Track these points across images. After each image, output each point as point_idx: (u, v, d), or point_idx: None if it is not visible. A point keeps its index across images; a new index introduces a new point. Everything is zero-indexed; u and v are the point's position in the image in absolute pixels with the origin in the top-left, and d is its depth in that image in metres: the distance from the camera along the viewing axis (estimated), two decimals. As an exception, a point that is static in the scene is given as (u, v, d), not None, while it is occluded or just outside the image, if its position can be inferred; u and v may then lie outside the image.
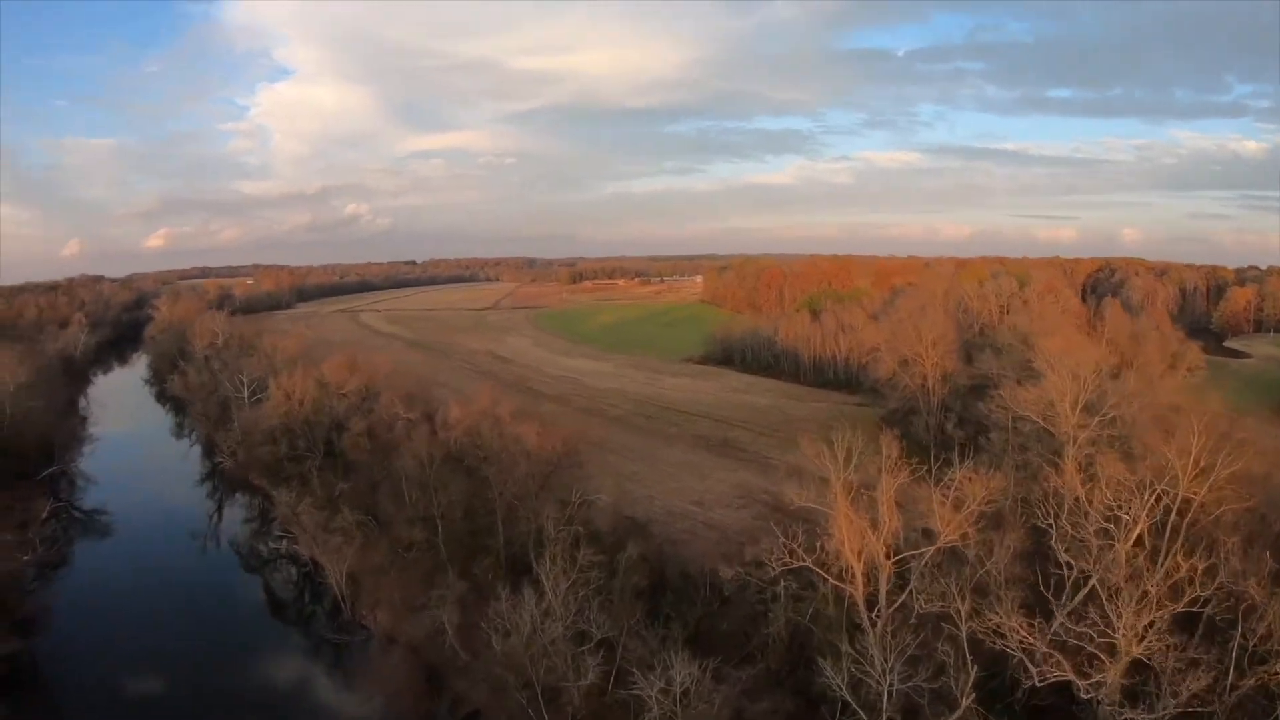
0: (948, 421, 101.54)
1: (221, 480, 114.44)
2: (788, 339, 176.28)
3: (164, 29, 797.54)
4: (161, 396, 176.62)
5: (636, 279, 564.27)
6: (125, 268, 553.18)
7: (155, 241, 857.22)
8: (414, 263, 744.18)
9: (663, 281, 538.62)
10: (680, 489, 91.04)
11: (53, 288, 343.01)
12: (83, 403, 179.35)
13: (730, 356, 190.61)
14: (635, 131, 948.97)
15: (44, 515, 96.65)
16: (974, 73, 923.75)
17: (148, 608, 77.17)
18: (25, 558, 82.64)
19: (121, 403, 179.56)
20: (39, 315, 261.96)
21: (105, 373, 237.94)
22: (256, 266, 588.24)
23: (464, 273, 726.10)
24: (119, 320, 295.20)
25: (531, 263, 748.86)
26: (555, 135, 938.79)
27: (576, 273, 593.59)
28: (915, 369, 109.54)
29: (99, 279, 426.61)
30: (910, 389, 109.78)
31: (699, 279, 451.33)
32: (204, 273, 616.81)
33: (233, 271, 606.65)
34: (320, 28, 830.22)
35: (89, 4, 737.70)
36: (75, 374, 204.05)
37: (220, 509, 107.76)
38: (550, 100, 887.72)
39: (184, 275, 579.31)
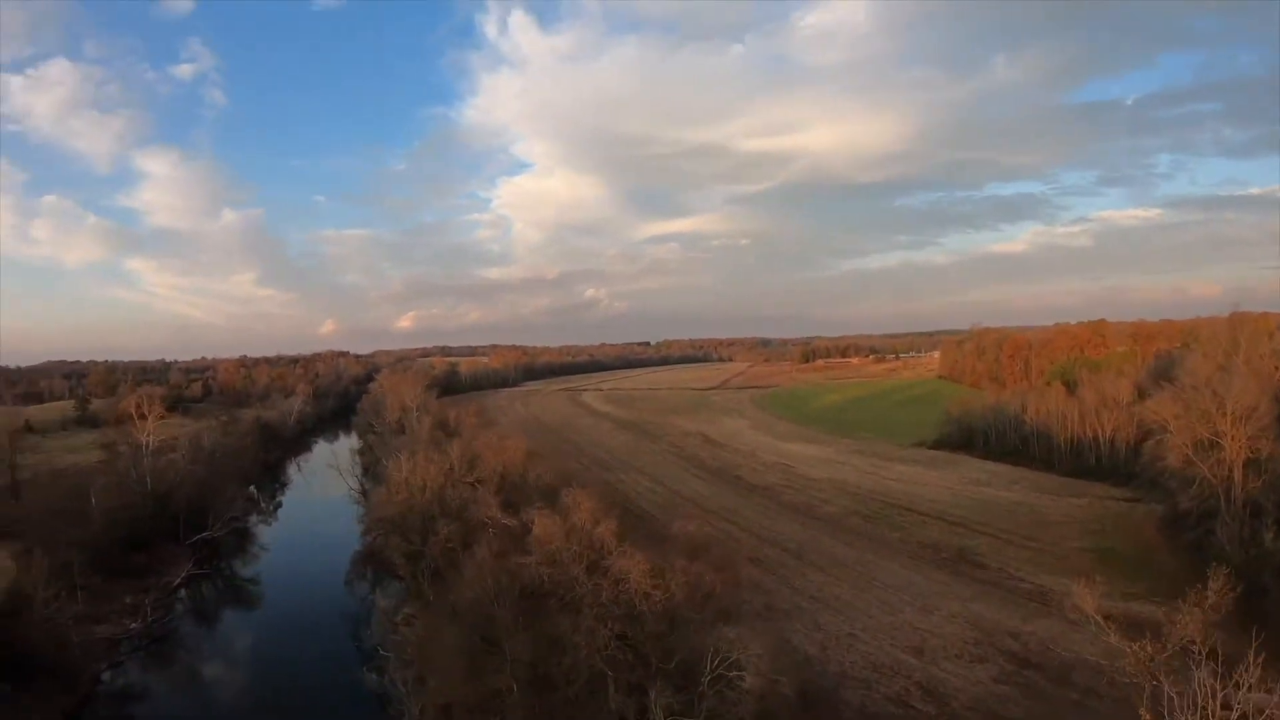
0: (1264, 529, 73.45)
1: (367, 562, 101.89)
2: (1037, 417, 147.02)
3: (409, 132, 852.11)
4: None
5: (871, 356, 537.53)
6: (375, 345, 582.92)
7: (405, 323, 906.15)
8: (648, 344, 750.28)
9: (898, 358, 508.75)
10: (894, 625, 67.67)
11: (295, 360, 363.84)
12: (291, 469, 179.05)
13: (969, 439, 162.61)
14: (866, 207, 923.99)
15: (176, 581, 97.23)
16: (1208, 114, 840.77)
17: (229, 688, 73.27)
18: (131, 625, 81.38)
19: (324, 472, 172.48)
20: (269, 384, 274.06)
21: (331, 441, 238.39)
22: (495, 346, 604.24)
23: (697, 353, 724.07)
24: (346, 392, 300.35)
25: (766, 343, 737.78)
26: (787, 215, 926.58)
27: (809, 351, 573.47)
28: (1216, 454, 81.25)
29: (343, 354, 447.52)
30: (1211, 482, 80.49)
31: (936, 354, 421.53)
32: (445, 351, 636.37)
33: (472, 351, 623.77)
34: (552, 124, 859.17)
35: (343, 114, 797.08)
36: (286, 441, 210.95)
37: (360, 593, 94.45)
38: (781, 180, 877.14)
39: (425, 353, 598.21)
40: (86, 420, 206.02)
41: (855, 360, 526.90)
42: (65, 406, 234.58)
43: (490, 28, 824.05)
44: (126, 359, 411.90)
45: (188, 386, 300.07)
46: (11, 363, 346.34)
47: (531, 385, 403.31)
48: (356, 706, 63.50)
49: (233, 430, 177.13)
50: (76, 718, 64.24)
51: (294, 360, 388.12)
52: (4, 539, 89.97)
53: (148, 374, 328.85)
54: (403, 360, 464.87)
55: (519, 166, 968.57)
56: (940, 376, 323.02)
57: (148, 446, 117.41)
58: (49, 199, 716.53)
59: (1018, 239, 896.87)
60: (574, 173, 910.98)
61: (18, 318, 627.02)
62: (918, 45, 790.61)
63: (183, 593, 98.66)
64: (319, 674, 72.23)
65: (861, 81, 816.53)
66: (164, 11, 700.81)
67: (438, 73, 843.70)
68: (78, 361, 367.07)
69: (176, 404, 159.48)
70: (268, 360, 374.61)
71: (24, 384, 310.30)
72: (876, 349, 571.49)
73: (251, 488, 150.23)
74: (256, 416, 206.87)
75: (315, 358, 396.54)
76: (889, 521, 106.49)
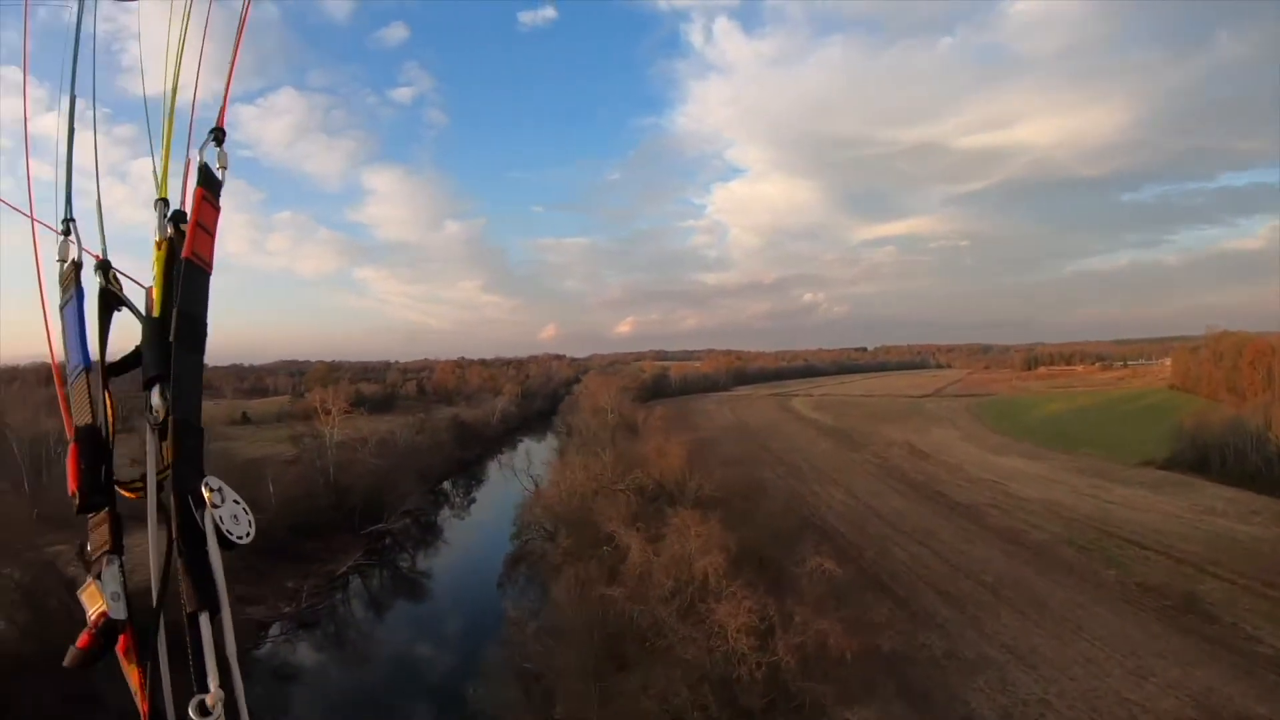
0: None
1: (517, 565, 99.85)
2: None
3: (623, 142, 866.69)
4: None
5: (1097, 364, 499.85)
6: (593, 350, 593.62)
7: (623, 328, 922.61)
8: (864, 349, 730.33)
9: (1126, 366, 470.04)
10: (1098, 693, 56.78)
11: (510, 362, 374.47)
12: (492, 466, 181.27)
13: (1204, 459, 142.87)
14: (1090, 203, 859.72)
15: (341, 570, 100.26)
16: None
17: (353, 680, 72.96)
18: (285, 609, 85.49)
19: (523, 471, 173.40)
20: (480, 384, 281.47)
21: (538, 440, 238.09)
22: (710, 351, 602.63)
23: (914, 359, 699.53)
24: (555, 393, 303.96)
25: (986, 349, 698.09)
26: (1007, 214, 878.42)
27: (1032, 358, 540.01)
28: None
29: (559, 357, 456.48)
30: None
31: (1167, 362, 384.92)
32: (660, 355, 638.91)
33: (687, 355, 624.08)
34: (762, 129, 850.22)
35: (557, 127, 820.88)
36: (488, 439, 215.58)
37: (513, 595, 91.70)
38: (1000, 178, 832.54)
39: (639, 357, 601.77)
40: (297, 414, 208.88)
41: (1080, 368, 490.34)
42: (283, 401, 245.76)
43: (696, 36, 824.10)
44: (357, 360, 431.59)
45: (402, 385, 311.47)
46: (246, 361, 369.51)
47: (742, 390, 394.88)
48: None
49: (427, 427, 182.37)
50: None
51: (509, 362, 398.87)
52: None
53: (368, 373, 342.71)
54: (615, 364, 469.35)
55: (732, 172, 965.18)
56: (1172, 386, 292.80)
57: (331, 439, 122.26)
58: (284, 215, 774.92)
59: (1255, 234, 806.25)
60: (788, 177, 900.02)
61: (255, 322, 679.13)
62: (1134, 26, 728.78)
63: (350, 581, 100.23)
64: (451, 676, 69.98)
65: (1078, 68, 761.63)
66: (381, 39, 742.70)
67: (647, 83, 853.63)
68: (306, 361, 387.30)
69: (360, 402, 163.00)
70: (483, 362, 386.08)
71: (252, 380, 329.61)
72: (1104, 356, 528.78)
73: (446, 483, 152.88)
74: (455, 414, 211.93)
75: (530, 360, 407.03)
76: (1105, 555, 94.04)
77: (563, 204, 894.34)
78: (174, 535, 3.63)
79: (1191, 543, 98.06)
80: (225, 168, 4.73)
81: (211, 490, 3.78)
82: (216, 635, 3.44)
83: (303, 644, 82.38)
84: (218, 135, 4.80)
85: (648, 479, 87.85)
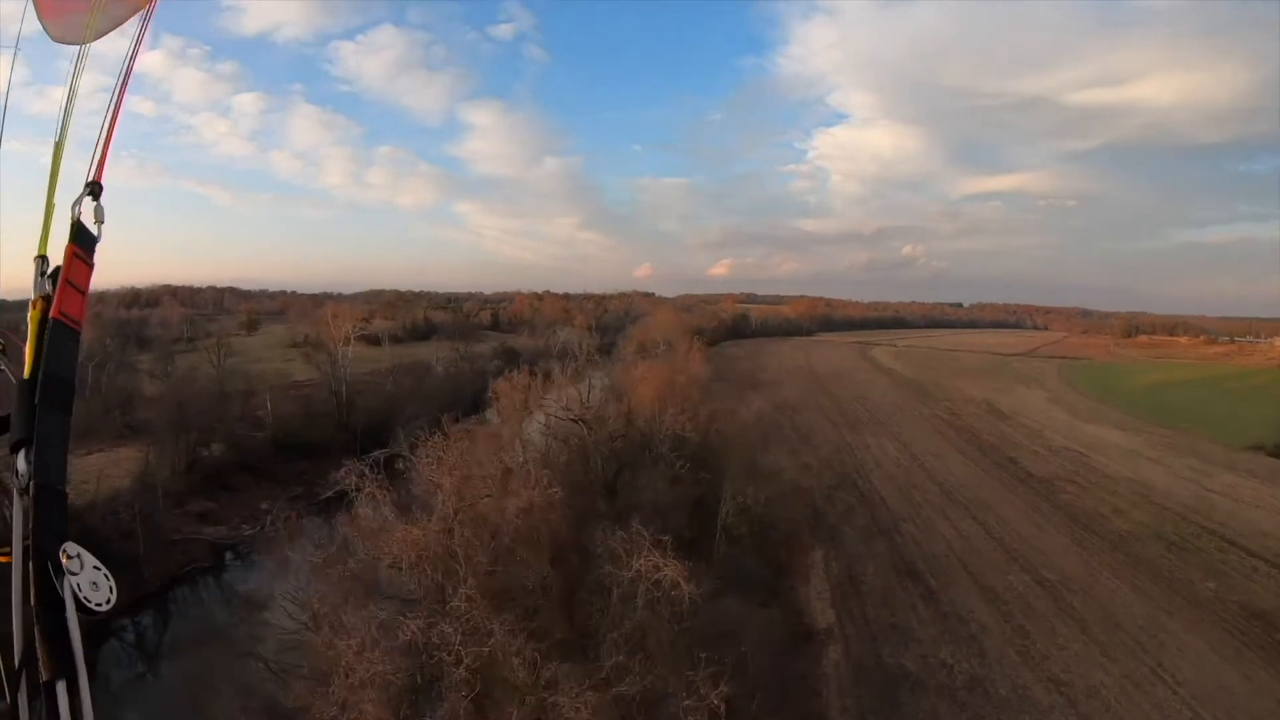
0: None
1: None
2: None
3: (724, 83, 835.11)
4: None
5: (1201, 337, 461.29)
6: (689, 290, 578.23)
7: (719, 270, 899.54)
8: (960, 305, 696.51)
9: (1233, 341, 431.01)
10: None
11: (596, 298, 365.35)
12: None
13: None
14: (1206, 170, 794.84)
15: (327, 493, 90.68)
16: None
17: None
18: (247, 530, 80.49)
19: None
20: (554, 317, 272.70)
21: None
22: (803, 297, 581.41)
23: (1009, 318, 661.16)
24: (625, 328, 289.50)
25: (1086, 314, 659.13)
26: (1118, 176, 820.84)
27: (1132, 326, 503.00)
28: None
29: (649, 295, 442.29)
30: None
31: (1278, 341, 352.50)
32: (752, 299, 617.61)
33: (779, 300, 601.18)
34: (871, 74, 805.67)
35: (657, 66, 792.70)
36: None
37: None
38: (1113, 137, 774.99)
39: (732, 299, 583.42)
40: (368, 338, 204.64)
41: (1184, 339, 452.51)
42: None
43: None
44: (453, 291, 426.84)
45: (477, 314, 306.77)
46: (345, 290, 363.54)
47: (827, 336, 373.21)
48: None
49: (471, 354, 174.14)
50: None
51: (596, 298, 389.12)
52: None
53: (449, 302, 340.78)
54: (701, 304, 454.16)
55: (836, 117, 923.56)
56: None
57: (345, 361, 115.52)
58: (384, 149, 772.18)
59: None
60: (893, 124, 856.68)
61: (354, 252, 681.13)
62: None
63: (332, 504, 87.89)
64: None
65: (1201, 22, 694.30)
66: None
67: (749, 23, 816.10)
68: (395, 290, 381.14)
69: (406, 330, 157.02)
70: (567, 296, 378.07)
71: (329, 305, 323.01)
72: (1209, 331, 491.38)
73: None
74: (503, 342, 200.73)
75: (616, 296, 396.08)
76: (1203, 559, 73.86)
77: (662, 143, 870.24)
78: (33, 602, 3.34)
79: (1311, 552, 77.62)
80: (102, 223, 4.32)
81: (70, 557, 3.46)
82: (74, 704, 3.18)
83: (253, 570, 73.23)
84: (94, 189, 4.32)
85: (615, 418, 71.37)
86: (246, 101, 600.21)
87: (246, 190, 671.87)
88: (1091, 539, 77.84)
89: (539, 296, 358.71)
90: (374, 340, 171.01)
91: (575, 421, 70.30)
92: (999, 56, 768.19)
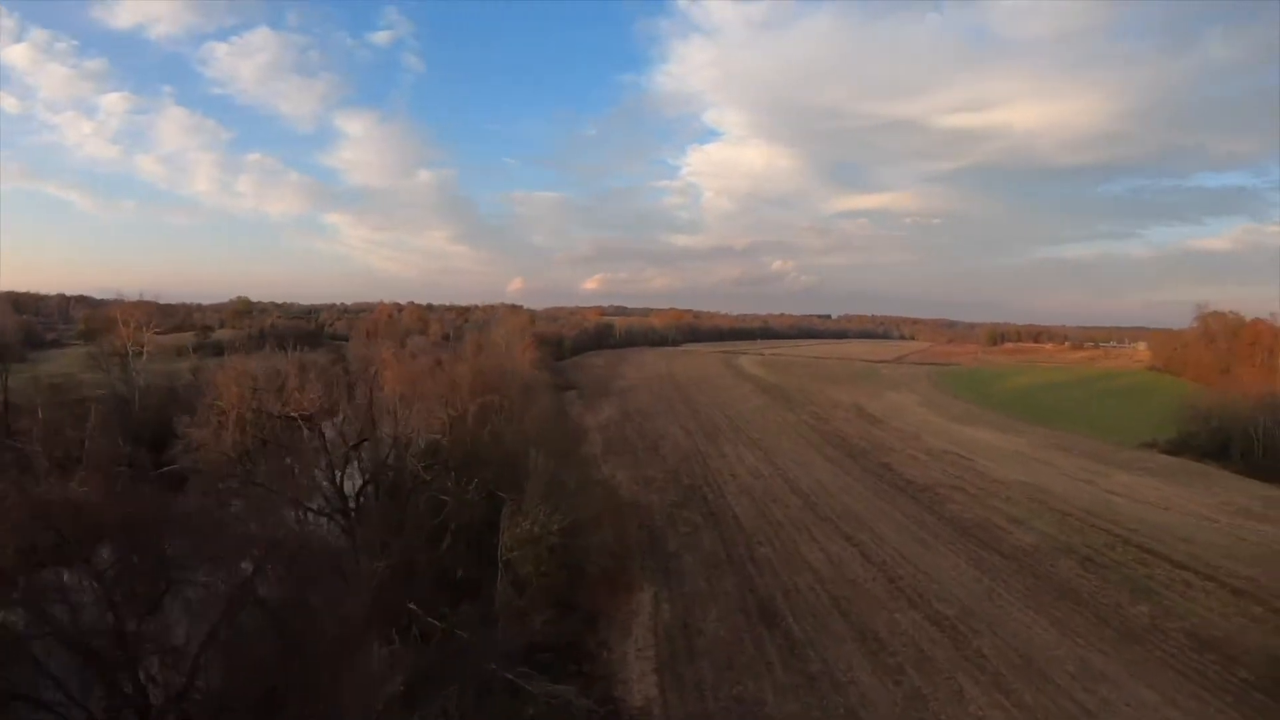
0: None
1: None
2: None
3: (601, 98, 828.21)
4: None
5: (1067, 344, 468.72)
6: (561, 304, 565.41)
7: (591, 285, 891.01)
8: (828, 316, 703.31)
9: (1098, 347, 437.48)
10: None
11: (461, 310, 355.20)
12: None
13: (1224, 445, 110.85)
14: (1066, 192, 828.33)
15: None
16: None
17: None
18: None
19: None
20: (410, 325, 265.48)
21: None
22: (672, 310, 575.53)
23: (877, 329, 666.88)
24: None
25: (951, 325, 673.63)
26: (982, 195, 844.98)
27: (997, 334, 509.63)
28: None
29: (516, 308, 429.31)
30: None
31: (1141, 345, 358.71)
32: (622, 312, 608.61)
33: (647, 313, 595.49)
34: (744, 93, 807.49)
35: (536, 80, 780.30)
36: None
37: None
38: (978, 159, 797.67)
39: (602, 312, 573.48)
40: (206, 346, 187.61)
41: (1048, 346, 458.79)
42: (189, 337, 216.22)
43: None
44: (323, 302, 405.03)
45: (332, 324, 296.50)
46: (209, 300, 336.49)
47: (694, 347, 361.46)
48: None
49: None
50: None
51: (463, 309, 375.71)
52: None
53: (309, 313, 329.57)
54: (570, 315, 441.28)
55: (709, 134, 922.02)
56: (1152, 368, 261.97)
57: (132, 361, 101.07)
58: (254, 156, 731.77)
59: (1223, 235, 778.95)
60: (766, 143, 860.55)
61: (222, 261, 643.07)
62: (1127, 16, 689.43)
63: None
64: None
65: (1066, 56, 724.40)
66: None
67: (629, 40, 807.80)
68: (247, 299, 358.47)
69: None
70: (429, 307, 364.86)
71: (181, 316, 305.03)
72: (1071, 338, 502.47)
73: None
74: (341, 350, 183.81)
75: (482, 308, 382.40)
76: (1124, 575, 58.98)
77: (537, 157, 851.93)
78: None
79: (1239, 560, 63.70)
80: None
81: None
82: None
83: None
84: None
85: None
86: (114, 101, 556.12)
87: (110, 195, 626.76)
88: (991, 558, 62.37)
89: (400, 307, 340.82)
90: (181, 350, 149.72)
91: (293, 419, 50.55)
92: (872, 81, 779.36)
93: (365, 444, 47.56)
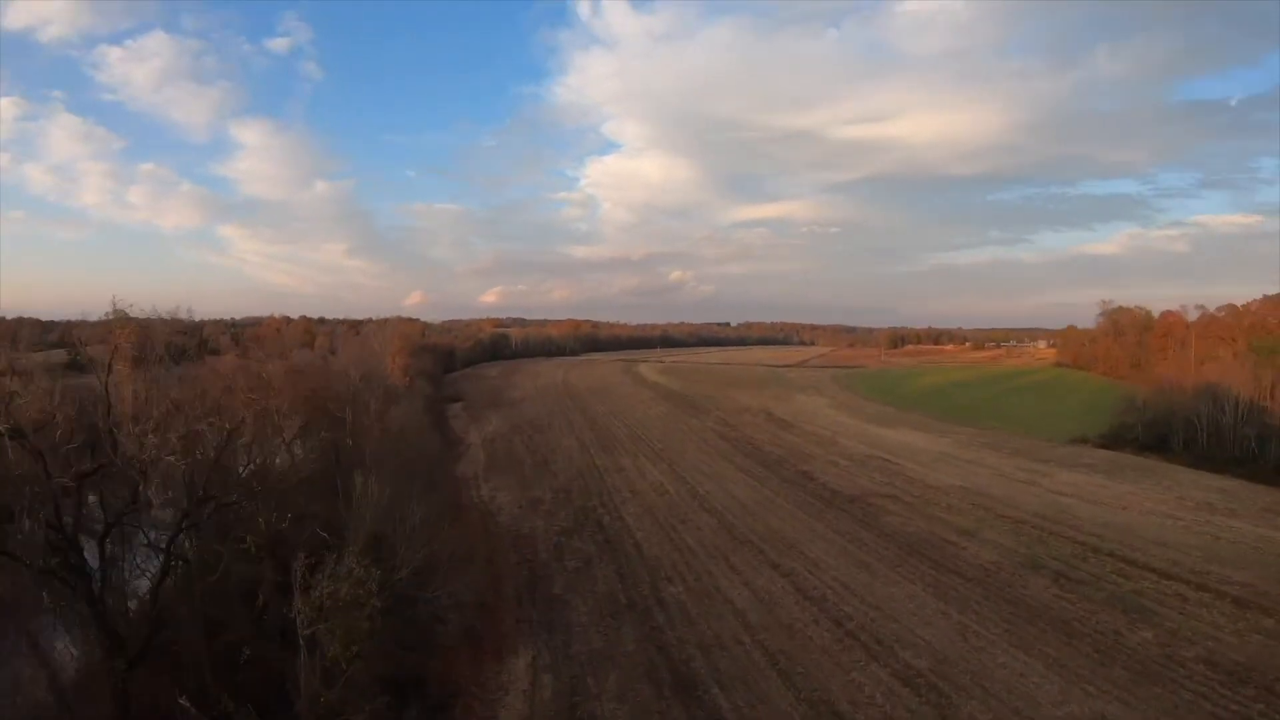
0: None
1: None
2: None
3: (500, 109, 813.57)
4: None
5: (968, 344, 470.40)
6: (459, 317, 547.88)
7: (490, 297, 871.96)
8: (728, 324, 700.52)
9: (999, 346, 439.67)
10: None
11: (353, 324, 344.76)
12: None
13: (1163, 437, 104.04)
14: (959, 200, 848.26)
15: None
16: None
17: None
18: None
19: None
20: (298, 339, 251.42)
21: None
22: (570, 320, 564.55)
23: (777, 335, 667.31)
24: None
25: (850, 330, 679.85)
26: (878, 205, 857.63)
27: (897, 337, 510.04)
28: None
29: (411, 321, 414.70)
30: None
31: (1042, 344, 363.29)
32: (519, 324, 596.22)
33: (546, 324, 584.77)
34: (643, 105, 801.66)
35: (436, 91, 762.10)
36: None
37: None
38: (873, 170, 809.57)
39: (501, 324, 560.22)
40: (74, 365, 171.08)
41: (949, 347, 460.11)
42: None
43: (583, 6, 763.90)
44: (217, 317, 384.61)
45: (215, 338, 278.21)
46: (95, 317, 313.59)
47: (594, 356, 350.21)
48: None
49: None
50: None
51: (356, 322, 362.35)
52: None
53: (197, 329, 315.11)
54: (468, 327, 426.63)
55: (608, 146, 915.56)
56: (1059, 364, 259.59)
57: None
58: (146, 166, 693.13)
59: (1111, 240, 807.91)
60: (664, 155, 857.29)
61: (113, 276, 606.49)
62: (1018, 34, 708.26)
63: None
64: None
65: (960, 71, 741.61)
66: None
67: (530, 51, 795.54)
68: (140, 317, 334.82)
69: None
70: (321, 320, 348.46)
71: (60, 332, 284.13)
72: (969, 340, 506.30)
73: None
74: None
75: (377, 321, 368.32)
76: (1111, 593, 48.43)
77: (436, 169, 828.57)
78: None
79: (1225, 564, 54.80)
80: None
81: None
82: None
83: None
84: None
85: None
86: (3, 107, 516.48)
87: None
88: (950, 581, 51.03)
89: (288, 320, 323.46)
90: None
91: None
92: (772, 93, 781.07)
93: (100, 473, 33.43)
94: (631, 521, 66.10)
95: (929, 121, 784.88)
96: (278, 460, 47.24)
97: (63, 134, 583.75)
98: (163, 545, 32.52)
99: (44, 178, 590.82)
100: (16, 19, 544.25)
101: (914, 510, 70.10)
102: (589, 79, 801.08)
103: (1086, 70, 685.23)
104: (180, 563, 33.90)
